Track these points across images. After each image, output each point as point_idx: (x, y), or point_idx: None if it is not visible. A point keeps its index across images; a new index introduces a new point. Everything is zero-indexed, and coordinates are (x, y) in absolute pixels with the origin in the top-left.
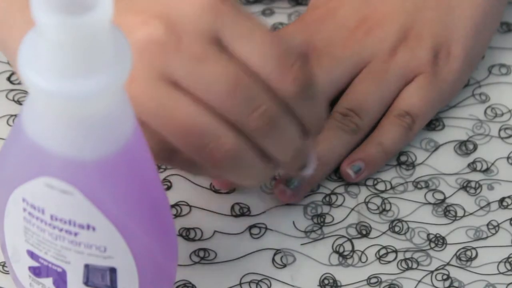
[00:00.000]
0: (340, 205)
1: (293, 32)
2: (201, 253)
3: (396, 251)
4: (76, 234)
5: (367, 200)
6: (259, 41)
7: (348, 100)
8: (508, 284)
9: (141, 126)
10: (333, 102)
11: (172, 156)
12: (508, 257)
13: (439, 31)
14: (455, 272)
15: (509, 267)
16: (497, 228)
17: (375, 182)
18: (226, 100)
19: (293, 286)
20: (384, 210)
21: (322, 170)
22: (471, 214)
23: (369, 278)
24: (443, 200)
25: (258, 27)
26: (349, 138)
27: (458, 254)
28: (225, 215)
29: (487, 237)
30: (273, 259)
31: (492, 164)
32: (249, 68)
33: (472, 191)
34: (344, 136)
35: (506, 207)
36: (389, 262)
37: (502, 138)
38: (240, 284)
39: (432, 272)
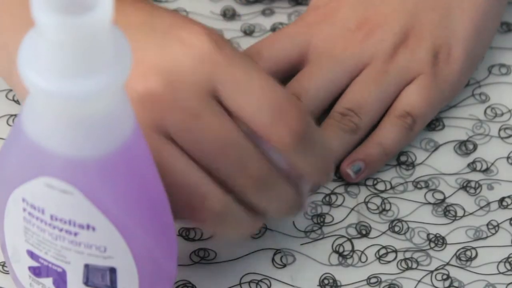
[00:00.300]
0: (340, 205)
1: (293, 33)
2: (201, 253)
3: (396, 251)
4: (76, 234)
5: (367, 200)
6: (254, 94)
7: (347, 100)
8: (508, 284)
9: None
10: (333, 103)
11: None
12: (508, 257)
13: (440, 32)
14: (455, 272)
15: (509, 267)
16: (497, 228)
17: (375, 182)
18: (216, 158)
19: (293, 286)
20: (384, 210)
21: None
22: (471, 214)
23: (369, 278)
24: (443, 200)
25: (255, 77)
26: (348, 138)
27: (458, 254)
28: None
29: (487, 237)
30: (273, 259)
31: (492, 164)
32: (244, 122)
33: (472, 191)
34: (343, 136)
35: (506, 207)
36: (389, 262)
37: (502, 138)
38: (240, 284)
39: (432, 272)
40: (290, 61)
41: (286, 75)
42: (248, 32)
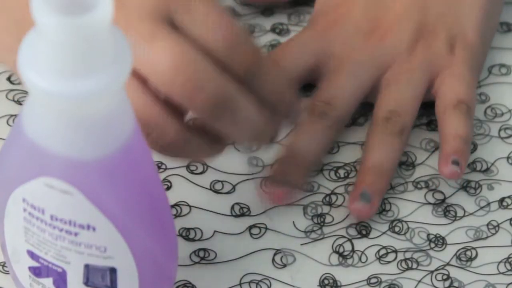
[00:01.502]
0: (340, 205)
1: (307, 41)
2: (201, 253)
3: (396, 251)
4: (76, 234)
5: None
6: (211, 23)
7: (386, 103)
8: (508, 284)
9: None
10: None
11: None
12: (508, 257)
13: (452, 23)
14: (455, 272)
15: (509, 267)
16: (497, 228)
17: None
18: (170, 80)
19: (293, 286)
20: (384, 210)
21: (383, 178)
22: (471, 214)
23: (369, 278)
24: (443, 200)
25: (211, 7)
26: (398, 141)
27: (458, 254)
28: (225, 215)
29: (487, 237)
30: (273, 259)
31: (492, 164)
32: (200, 46)
33: (472, 191)
34: (393, 140)
35: (506, 207)
36: (389, 262)
37: (502, 138)
38: (240, 284)
39: (432, 272)
40: (307, 69)
41: (304, 83)
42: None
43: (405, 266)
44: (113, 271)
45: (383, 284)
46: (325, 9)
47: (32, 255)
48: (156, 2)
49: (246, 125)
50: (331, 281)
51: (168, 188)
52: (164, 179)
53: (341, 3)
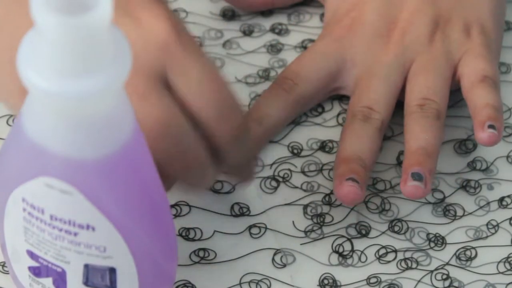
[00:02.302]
0: (340, 204)
1: (325, 50)
2: (201, 253)
3: (395, 251)
4: (75, 234)
5: (366, 200)
6: (205, 89)
7: (417, 92)
8: (508, 284)
9: None
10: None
11: None
12: (508, 257)
13: (466, 12)
14: (454, 272)
15: (508, 267)
16: (496, 227)
17: (375, 181)
18: (157, 140)
19: (293, 286)
20: (383, 209)
21: (431, 158)
22: (470, 213)
23: (368, 278)
24: (442, 200)
25: (207, 72)
26: (435, 124)
27: (457, 253)
28: (225, 215)
29: (486, 236)
30: (273, 259)
31: (492, 163)
32: (189, 110)
33: (472, 190)
34: (430, 123)
35: (505, 207)
36: (389, 262)
37: (502, 137)
38: (240, 284)
39: (431, 271)
40: (329, 78)
41: (328, 95)
42: (248, 32)
43: (405, 266)
44: (112, 271)
45: (383, 284)
46: (337, 17)
47: (31, 255)
48: (153, 60)
49: (203, 179)
50: (330, 281)
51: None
52: None
53: (352, 7)
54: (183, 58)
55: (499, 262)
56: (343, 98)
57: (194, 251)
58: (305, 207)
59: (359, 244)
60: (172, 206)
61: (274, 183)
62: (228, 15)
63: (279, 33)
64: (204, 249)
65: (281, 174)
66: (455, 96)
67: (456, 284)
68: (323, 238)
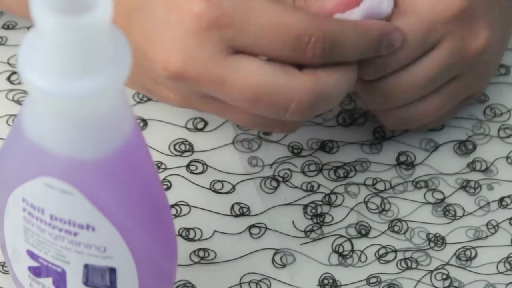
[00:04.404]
0: (340, 204)
1: None
2: (201, 253)
3: (395, 251)
4: (75, 234)
5: (366, 200)
6: (268, 37)
7: None
8: (508, 284)
9: None
10: None
11: None
12: (508, 257)
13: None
14: (454, 272)
15: (508, 267)
16: (496, 227)
17: (375, 181)
18: (253, 108)
19: (292, 286)
20: (383, 209)
21: None
22: (470, 213)
23: (368, 278)
24: (442, 200)
25: (262, 19)
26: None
27: (457, 253)
28: (225, 215)
29: (486, 236)
30: (273, 259)
31: (492, 164)
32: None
33: (472, 190)
34: None
35: (505, 207)
36: (389, 261)
37: (501, 138)
38: (240, 284)
39: (431, 271)
40: None
41: None
42: None
43: (405, 266)
44: (112, 271)
45: (383, 284)
46: None
47: (31, 255)
48: (211, 41)
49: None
50: (330, 280)
51: (168, 188)
52: (164, 179)
53: None
54: (232, 25)
55: (499, 262)
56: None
57: (194, 251)
58: (305, 207)
59: (359, 244)
60: (172, 206)
61: (274, 183)
62: None
63: None
64: (204, 249)
65: (281, 174)
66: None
67: (456, 284)
68: (323, 238)
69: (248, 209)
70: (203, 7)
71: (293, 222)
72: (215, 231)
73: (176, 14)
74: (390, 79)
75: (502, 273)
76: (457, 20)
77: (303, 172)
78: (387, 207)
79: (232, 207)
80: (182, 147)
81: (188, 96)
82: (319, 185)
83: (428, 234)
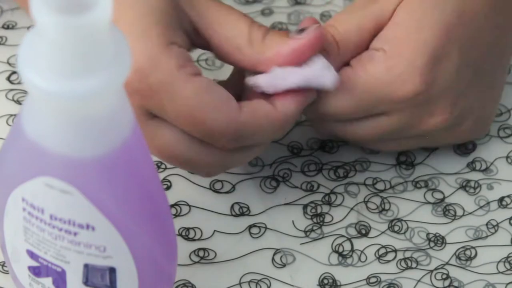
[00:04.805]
0: (340, 204)
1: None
2: (201, 253)
3: (395, 251)
4: (75, 233)
5: (366, 200)
6: (185, 124)
7: None
8: (508, 284)
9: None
10: None
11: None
12: (508, 257)
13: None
14: (454, 272)
15: (508, 267)
16: (496, 227)
17: (375, 181)
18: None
19: (292, 285)
20: (383, 209)
21: None
22: (470, 213)
23: (368, 278)
24: (442, 200)
25: (179, 98)
26: None
27: (457, 253)
28: (224, 214)
29: (486, 236)
30: (273, 259)
31: (492, 163)
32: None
33: (472, 190)
34: None
35: (505, 207)
36: (389, 261)
37: (501, 138)
38: (240, 283)
39: (431, 271)
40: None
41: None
42: None
43: (405, 266)
44: (112, 270)
45: (383, 284)
46: None
47: (31, 254)
48: (135, 102)
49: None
50: (330, 280)
51: (168, 187)
52: (164, 178)
53: None
54: (152, 98)
55: (499, 261)
56: None
57: (194, 251)
58: (305, 207)
59: (359, 244)
60: (172, 205)
61: (274, 183)
62: None
63: None
64: (204, 249)
65: (281, 173)
66: None
67: (456, 284)
68: (323, 238)
69: (248, 209)
70: (131, 75)
71: (293, 222)
72: (215, 231)
73: None
74: (340, 124)
75: (502, 273)
76: (410, 102)
77: (303, 172)
78: (387, 207)
79: (232, 206)
80: None
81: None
82: (319, 185)
83: (428, 234)
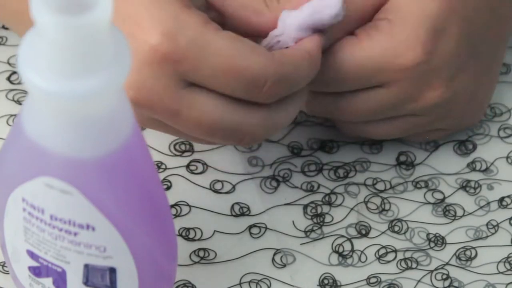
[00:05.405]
0: (340, 204)
1: None
2: (201, 253)
3: (395, 251)
4: (75, 234)
5: (366, 200)
6: (224, 78)
7: None
8: (508, 284)
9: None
10: None
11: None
12: (508, 257)
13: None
14: (454, 272)
15: (508, 267)
16: (496, 227)
17: (375, 181)
18: (207, 139)
19: (292, 286)
20: (383, 209)
21: None
22: (470, 213)
23: (368, 278)
24: (442, 200)
25: (214, 57)
26: None
27: (457, 253)
28: (225, 215)
29: (486, 236)
30: (273, 259)
31: (492, 163)
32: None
33: (472, 190)
34: None
35: (505, 207)
36: (389, 261)
37: (501, 138)
38: (240, 284)
39: (431, 271)
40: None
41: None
42: None
43: (405, 266)
44: (112, 271)
45: (383, 284)
46: None
47: (31, 254)
48: (164, 74)
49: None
50: (330, 280)
51: (168, 188)
52: (164, 179)
53: None
54: (187, 60)
55: (499, 262)
56: None
57: (194, 251)
58: (305, 207)
59: (359, 244)
60: (172, 206)
61: (274, 183)
62: None
63: None
64: (204, 249)
65: (281, 174)
66: None
67: (456, 284)
68: (323, 238)
69: (248, 209)
70: (159, 40)
71: (293, 222)
72: (215, 231)
73: (132, 44)
74: (336, 98)
75: (502, 273)
76: (410, 71)
77: (303, 172)
78: (387, 207)
79: (232, 207)
80: (182, 147)
81: (145, 120)
82: (319, 185)
83: (428, 234)
